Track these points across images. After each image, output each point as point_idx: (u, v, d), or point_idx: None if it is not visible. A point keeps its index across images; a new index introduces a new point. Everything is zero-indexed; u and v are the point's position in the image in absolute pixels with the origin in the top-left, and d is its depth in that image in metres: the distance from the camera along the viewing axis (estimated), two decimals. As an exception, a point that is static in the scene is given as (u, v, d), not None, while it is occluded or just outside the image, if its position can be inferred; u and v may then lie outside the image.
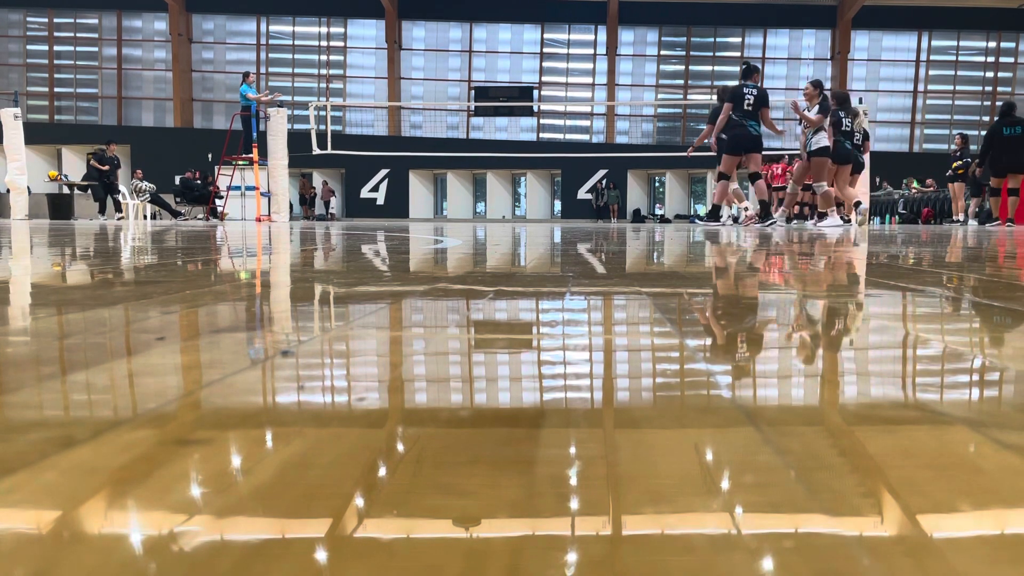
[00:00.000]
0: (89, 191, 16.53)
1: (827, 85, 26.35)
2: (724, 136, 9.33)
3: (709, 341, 1.09)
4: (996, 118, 11.63)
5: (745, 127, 9.09)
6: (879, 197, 19.74)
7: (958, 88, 27.18)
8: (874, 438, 0.59)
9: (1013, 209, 11.65)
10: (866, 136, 9.92)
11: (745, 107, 9.01)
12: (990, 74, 27.20)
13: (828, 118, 9.17)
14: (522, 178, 25.39)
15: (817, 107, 9.31)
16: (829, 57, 26.99)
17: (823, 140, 9.28)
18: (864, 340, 1.14)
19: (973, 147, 16.25)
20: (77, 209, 17.14)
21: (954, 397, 0.76)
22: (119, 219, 15.52)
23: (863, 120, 9.98)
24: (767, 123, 9.30)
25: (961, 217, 13.86)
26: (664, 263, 2.93)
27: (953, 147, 15.39)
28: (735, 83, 9.45)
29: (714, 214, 9.92)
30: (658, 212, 25.29)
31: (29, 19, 26.95)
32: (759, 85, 9.27)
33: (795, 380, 0.85)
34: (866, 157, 10.59)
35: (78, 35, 27.07)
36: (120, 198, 16.10)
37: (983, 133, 26.73)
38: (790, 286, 2.01)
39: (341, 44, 27.28)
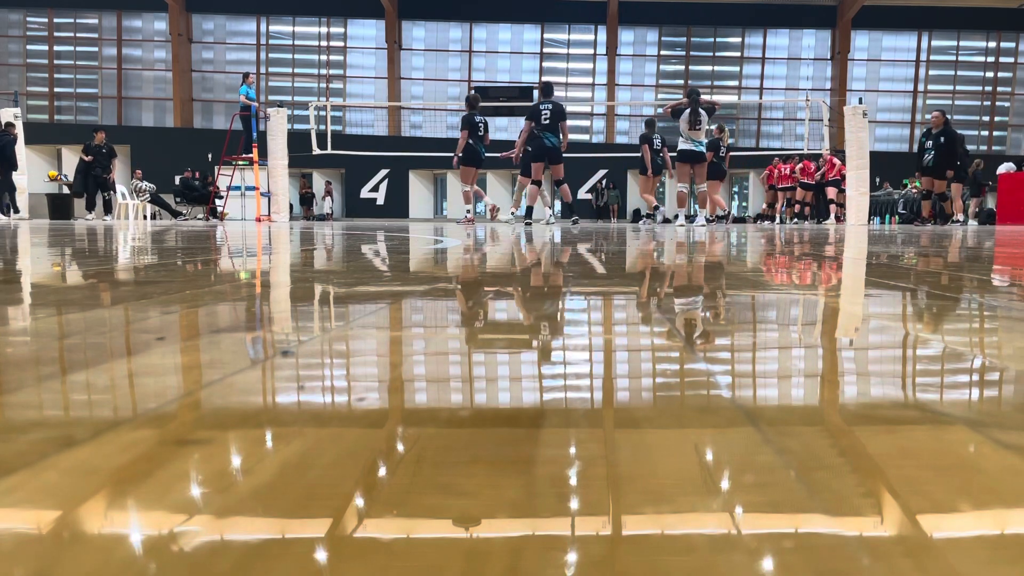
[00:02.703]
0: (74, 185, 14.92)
1: (827, 85, 26.39)
2: (529, 148, 10.96)
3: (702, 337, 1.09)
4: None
5: (542, 139, 10.66)
6: (879, 197, 19.73)
7: (958, 88, 27.15)
8: (874, 438, 0.59)
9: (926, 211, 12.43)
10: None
11: (543, 121, 10.59)
12: (990, 74, 27.17)
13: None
14: (522, 178, 25.36)
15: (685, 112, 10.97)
16: (829, 57, 26.98)
17: (680, 145, 10.93)
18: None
19: (971, 147, 16.22)
20: (77, 209, 17.08)
21: (953, 397, 0.76)
22: (105, 219, 14.29)
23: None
24: (564, 133, 10.84)
25: (961, 217, 13.85)
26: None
27: None
28: (684, 98, 10.98)
29: (528, 215, 11.20)
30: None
31: (29, 19, 26.92)
32: (555, 101, 10.87)
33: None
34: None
35: (78, 35, 27.03)
36: (110, 195, 14.56)
37: (983, 133, 26.81)
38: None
39: (341, 44, 27.25)
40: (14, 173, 13.55)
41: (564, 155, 11.16)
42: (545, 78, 27.08)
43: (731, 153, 14.26)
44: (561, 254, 3.42)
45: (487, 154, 11.62)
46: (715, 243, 4.82)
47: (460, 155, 11.29)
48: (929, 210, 12.43)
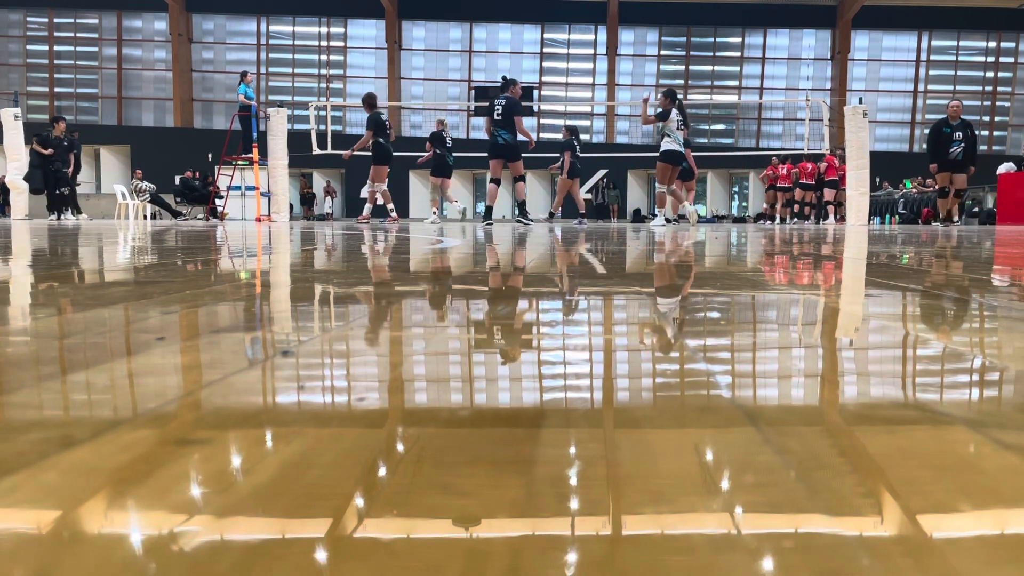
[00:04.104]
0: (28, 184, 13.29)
1: (827, 85, 26.38)
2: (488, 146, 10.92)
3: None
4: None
5: (494, 137, 10.48)
6: (879, 197, 19.73)
7: (958, 88, 27.13)
8: (874, 438, 0.59)
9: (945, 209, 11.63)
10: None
11: (495, 117, 10.33)
12: (990, 74, 27.17)
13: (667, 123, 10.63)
14: (522, 178, 25.36)
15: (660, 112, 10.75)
16: (829, 57, 26.98)
17: (668, 145, 10.63)
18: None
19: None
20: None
21: (953, 397, 0.76)
22: (54, 219, 12.94)
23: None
24: (520, 130, 10.54)
25: (956, 217, 13.76)
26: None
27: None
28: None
29: (487, 215, 11.24)
30: (658, 211, 25.28)
31: (29, 19, 26.93)
32: (512, 95, 10.48)
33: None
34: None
35: (78, 35, 27.05)
36: (68, 192, 13.32)
37: (983, 133, 26.79)
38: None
39: (341, 44, 27.26)
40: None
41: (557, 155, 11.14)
42: (545, 78, 27.17)
43: (730, 153, 14.28)
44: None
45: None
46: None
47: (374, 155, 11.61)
48: (950, 208, 11.49)
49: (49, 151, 13.03)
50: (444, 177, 12.76)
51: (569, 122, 13.88)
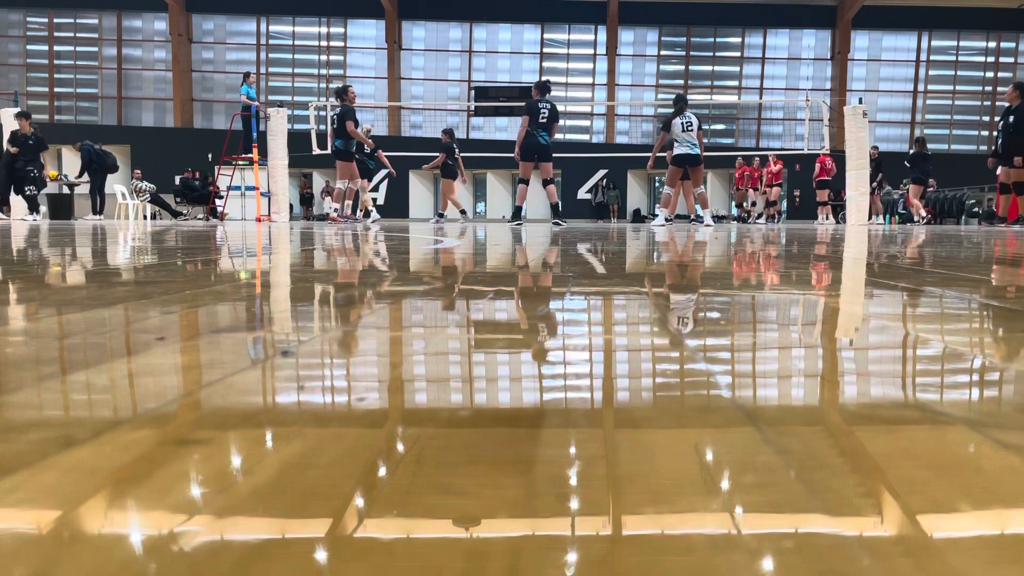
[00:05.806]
0: None
1: (827, 85, 26.36)
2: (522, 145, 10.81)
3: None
4: None
5: (536, 137, 10.45)
6: (879, 197, 19.71)
7: (958, 88, 27.15)
8: (874, 438, 0.59)
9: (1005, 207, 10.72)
10: None
11: (540, 120, 10.38)
12: (990, 74, 27.16)
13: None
14: (522, 178, 25.39)
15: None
16: (829, 57, 26.98)
17: (677, 149, 10.74)
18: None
19: (971, 147, 15.86)
20: (77, 209, 17.00)
21: (953, 397, 0.76)
22: (29, 218, 12.41)
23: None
24: (552, 135, 10.77)
25: (921, 216, 13.66)
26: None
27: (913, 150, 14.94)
28: (536, 100, 10.72)
29: (516, 215, 11.17)
30: (658, 211, 25.27)
31: (29, 19, 26.93)
32: (551, 101, 10.58)
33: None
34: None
35: (78, 35, 27.04)
36: (34, 191, 12.64)
37: (983, 134, 26.77)
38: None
39: (341, 44, 27.25)
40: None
41: (569, 155, 11.16)
42: (545, 78, 27.15)
43: (730, 153, 14.39)
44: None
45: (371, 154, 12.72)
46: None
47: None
48: (1005, 209, 10.52)
49: (15, 149, 12.23)
50: (364, 179, 13.59)
51: (446, 127, 14.77)
